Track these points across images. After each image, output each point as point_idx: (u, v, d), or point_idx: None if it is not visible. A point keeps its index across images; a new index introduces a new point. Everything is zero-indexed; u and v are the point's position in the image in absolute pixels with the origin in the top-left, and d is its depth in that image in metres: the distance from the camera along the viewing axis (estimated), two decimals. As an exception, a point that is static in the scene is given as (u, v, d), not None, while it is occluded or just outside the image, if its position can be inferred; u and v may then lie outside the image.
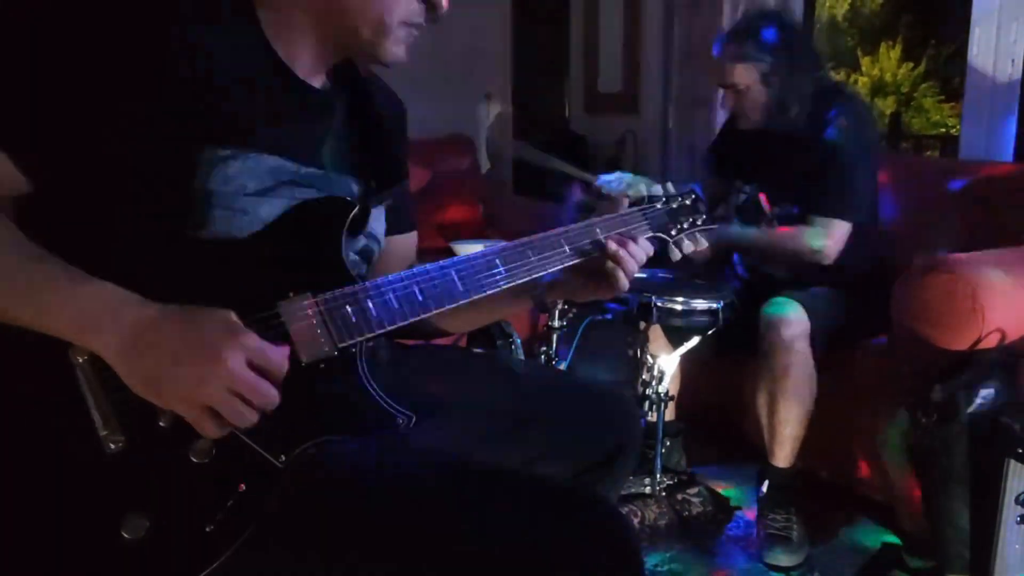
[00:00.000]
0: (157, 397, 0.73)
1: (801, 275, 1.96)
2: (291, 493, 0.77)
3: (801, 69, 1.98)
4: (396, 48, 0.89)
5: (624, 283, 1.00)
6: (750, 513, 1.96)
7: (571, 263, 0.98)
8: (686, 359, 2.03)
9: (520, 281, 0.93)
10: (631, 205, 1.08)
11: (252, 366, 0.73)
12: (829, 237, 1.90)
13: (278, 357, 0.75)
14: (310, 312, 0.79)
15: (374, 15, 0.86)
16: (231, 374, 0.71)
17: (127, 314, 0.72)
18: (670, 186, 1.12)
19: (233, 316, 0.74)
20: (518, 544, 0.76)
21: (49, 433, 0.74)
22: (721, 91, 2.10)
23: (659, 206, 1.09)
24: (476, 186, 3.57)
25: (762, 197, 2.08)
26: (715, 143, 2.34)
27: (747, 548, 1.85)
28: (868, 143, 1.98)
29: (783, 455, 1.84)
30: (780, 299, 1.84)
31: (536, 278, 0.98)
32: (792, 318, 1.79)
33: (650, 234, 1.06)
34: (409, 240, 1.12)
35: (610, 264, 0.99)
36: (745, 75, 1.97)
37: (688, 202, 1.12)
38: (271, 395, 0.73)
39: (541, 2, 4.00)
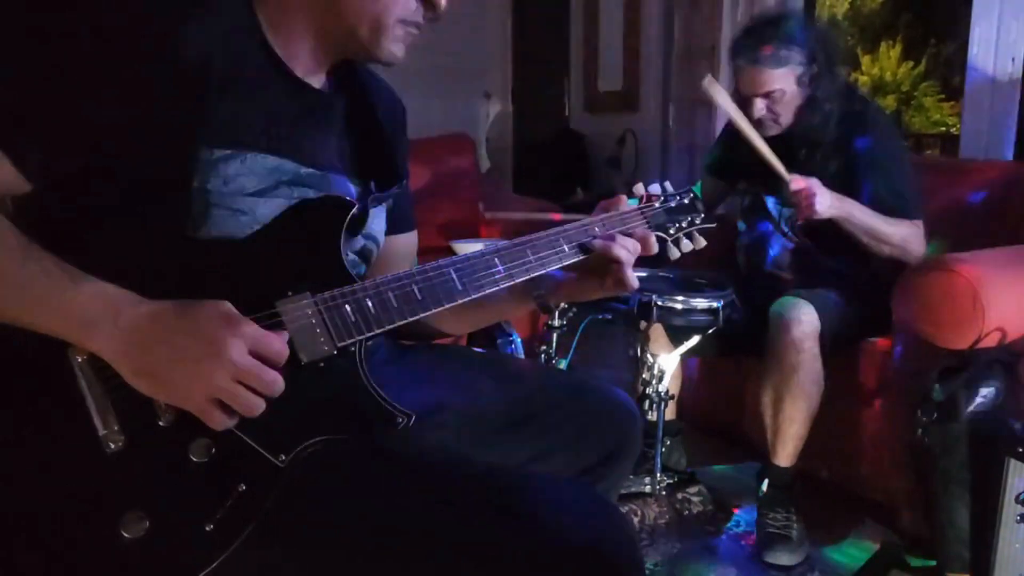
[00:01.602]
0: (161, 393, 0.73)
1: (809, 276, 1.95)
2: (291, 493, 0.77)
3: (832, 67, 1.96)
4: (394, 47, 0.89)
5: (628, 279, 0.99)
6: (750, 513, 1.96)
7: (570, 262, 0.98)
8: (687, 359, 2.02)
9: (519, 280, 0.93)
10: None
11: (253, 354, 0.73)
12: (917, 240, 1.90)
13: (278, 344, 0.75)
14: (309, 312, 0.79)
15: (372, 14, 0.86)
16: (234, 364, 0.72)
17: (126, 313, 0.72)
18: (668, 185, 1.12)
19: (230, 307, 0.74)
20: (518, 543, 0.76)
21: (49, 433, 0.74)
22: (738, 96, 2.03)
23: (657, 205, 1.09)
24: (476, 186, 3.57)
25: (771, 200, 2.07)
26: (717, 148, 2.32)
27: (747, 547, 1.85)
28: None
29: (785, 454, 1.84)
30: (790, 298, 1.83)
31: (535, 277, 0.98)
32: (803, 317, 1.78)
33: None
34: (410, 240, 1.12)
35: (609, 262, 0.99)
36: (782, 80, 1.91)
37: (686, 201, 1.11)
38: (276, 381, 0.74)
39: (541, 2, 4.00)
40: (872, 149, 1.91)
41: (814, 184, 1.79)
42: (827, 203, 1.79)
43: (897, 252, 1.88)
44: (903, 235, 1.87)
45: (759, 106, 1.95)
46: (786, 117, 1.97)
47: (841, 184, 1.92)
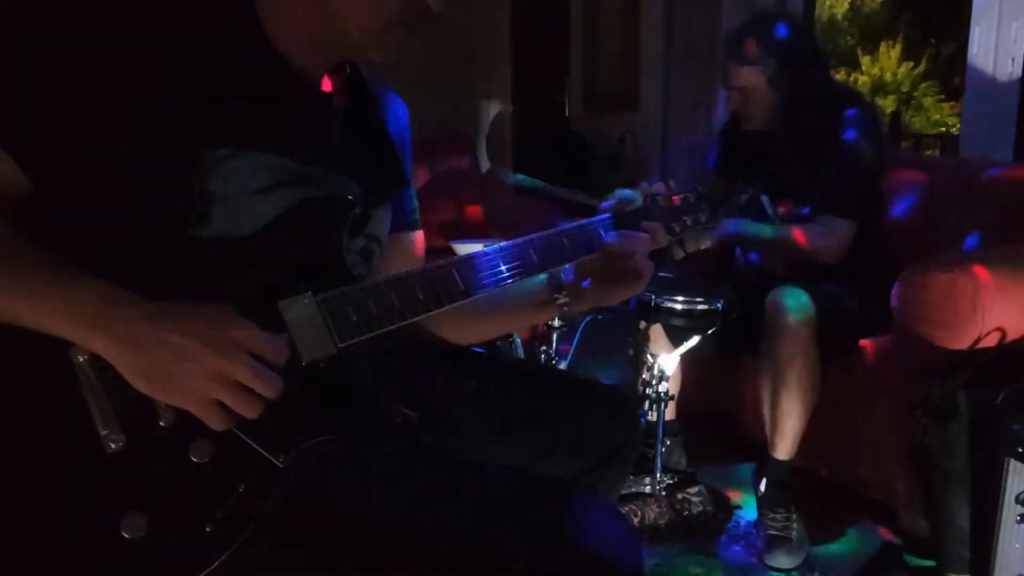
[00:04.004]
0: (162, 394, 0.73)
1: (807, 272, 1.96)
2: (291, 493, 0.77)
3: (807, 71, 1.99)
4: (386, 48, 0.88)
5: (644, 273, 0.99)
6: (750, 513, 1.96)
7: (572, 262, 0.98)
8: (686, 358, 2.02)
9: (520, 280, 0.93)
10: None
11: (253, 356, 0.73)
12: (832, 236, 1.90)
13: (278, 347, 0.75)
14: (310, 312, 0.79)
15: (362, 16, 0.86)
16: (234, 365, 0.72)
17: (127, 313, 0.72)
18: (673, 184, 1.11)
19: (232, 308, 0.74)
20: (518, 544, 0.76)
21: (49, 433, 0.74)
22: (725, 91, 2.10)
23: (662, 204, 1.09)
24: (476, 186, 3.57)
25: (764, 199, 2.08)
26: (716, 143, 2.34)
27: (747, 548, 1.85)
28: (873, 144, 1.98)
29: (784, 446, 1.84)
30: (786, 288, 1.84)
31: (555, 286, 0.98)
32: (798, 306, 1.79)
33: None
34: (415, 239, 1.12)
35: (625, 260, 0.98)
36: (751, 78, 1.97)
37: (691, 200, 1.11)
38: (275, 383, 0.74)
39: (541, 2, 4.00)
40: (828, 148, 1.93)
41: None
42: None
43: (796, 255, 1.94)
44: (790, 239, 1.93)
45: (732, 99, 2.07)
46: (758, 115, 2.02)
47: (813, 183, 1.93)
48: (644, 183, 1.08)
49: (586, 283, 1.02)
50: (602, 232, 1.00)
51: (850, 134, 1.93)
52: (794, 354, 1.78)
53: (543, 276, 0.99)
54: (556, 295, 1.03)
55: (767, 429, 1.86)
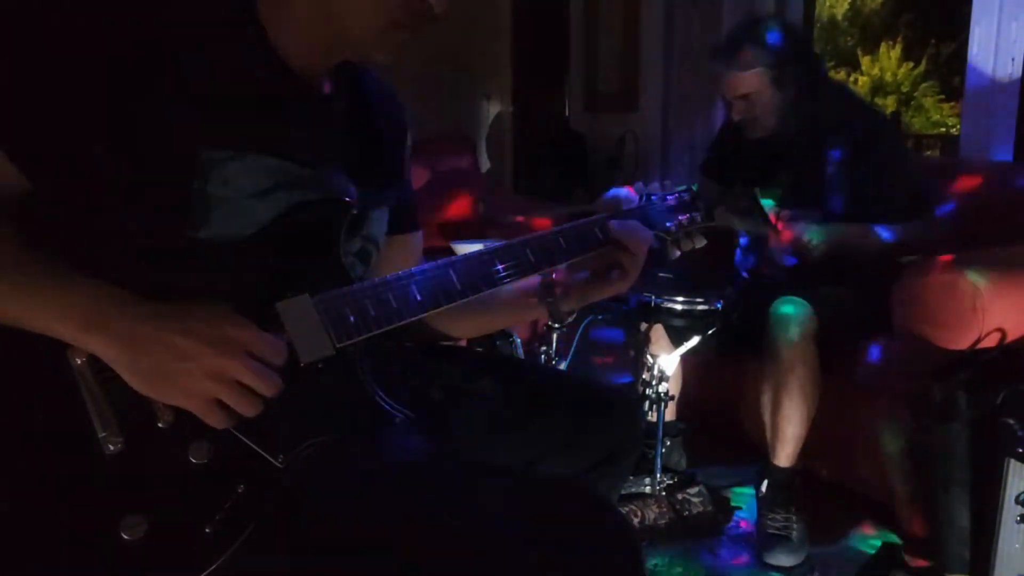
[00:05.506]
0: (161, 394, 0.73)
1: (808, 275, 1.95)
2: (290, 493, 0.77)
3: (809, 68, 1.98)
4: (387, 49, 0.88)
5: (634, 267, 0.99)
6: (750, 513, 1.96)
7: (570, 261, 0.98)
8: (686, 359, 2.02)
9: (519, 280, 0.93)
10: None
11: (252, 356, 0.73)
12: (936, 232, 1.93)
13: (276, 346, 0.76)
14: (308, 312, 0.79)
15: (364, 16, 0.86)
16: (234, 365, 0.72)
17: (125, 314, 0.72)
18: (669, 184, 1.11)
19: (230, 308, 0.75)
20: (518, 544, 0.76)
21: (48, 434, 0.74)
22: (725, 102, 2.07)
23: (657, 204, 1.09)
24: (476, 186, 3.57)
25: (768, 204, 2.07)
26: (712, 150, 2.34)
27: (747, 548, 1.85)
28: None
29: (785, 454, 1.84)
30: (788, 298, 1.83)
31: (545, 284, 0.98)
32: (800, 317, 1.78)
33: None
34: (414, 239, 1.12)
35: (617, 252, 0.98)
36: (754, 82, 1.95)
37: (687, 200, 1.11)
38: (274, 382, 0.74)
39: (541, 2, 4.01)
40: (865, 152, 1.92)
41: (800, 228, 1.86)
42: (818, 240, 1.85)
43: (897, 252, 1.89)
44: (900, 239, 1.89)
45: (738, 108, 2.01)
46: (768, 119, 2.00)
47: (830, 187, 1.93)
48: (640, 183, 1.08)
49: (578, 276, 1.03)
50: (597, 232, 1.00)
51: (890, 137, 1.95)
52: (795, 364, 1.78)
53: None
54: (543, 291, 1.03)
55: (768, 437, 1.86)
